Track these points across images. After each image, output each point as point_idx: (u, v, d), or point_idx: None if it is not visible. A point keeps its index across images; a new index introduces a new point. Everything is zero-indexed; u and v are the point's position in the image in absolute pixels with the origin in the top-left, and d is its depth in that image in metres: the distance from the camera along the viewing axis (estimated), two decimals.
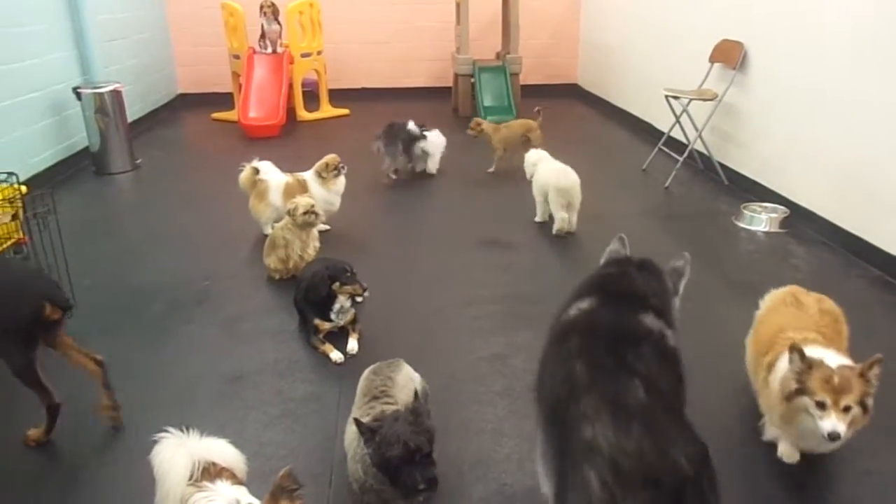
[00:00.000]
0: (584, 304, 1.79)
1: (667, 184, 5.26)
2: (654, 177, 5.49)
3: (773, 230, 4.37)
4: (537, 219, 4.56)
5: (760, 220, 4.42)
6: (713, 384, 2.82)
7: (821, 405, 2.03)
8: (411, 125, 5.49)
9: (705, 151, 5.44)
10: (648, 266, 1.96)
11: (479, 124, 5.62)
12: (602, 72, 8.16)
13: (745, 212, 4.50)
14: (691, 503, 1.34)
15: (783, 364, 2.19)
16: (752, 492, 2.23)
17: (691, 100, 5.27)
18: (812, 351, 2.13)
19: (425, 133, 5.52)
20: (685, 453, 1.38)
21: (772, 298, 2.69)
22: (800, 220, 4.38)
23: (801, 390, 2.07)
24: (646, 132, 6.64)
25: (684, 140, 5.54)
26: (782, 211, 4.45)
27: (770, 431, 2.40)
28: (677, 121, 5.49)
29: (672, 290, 1.92)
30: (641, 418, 1.41)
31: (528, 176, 4.59)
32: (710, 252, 4.10)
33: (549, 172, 4.41)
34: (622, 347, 1.56)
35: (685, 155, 5.35)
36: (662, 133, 5.77)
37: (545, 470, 1.67)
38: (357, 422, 1.88)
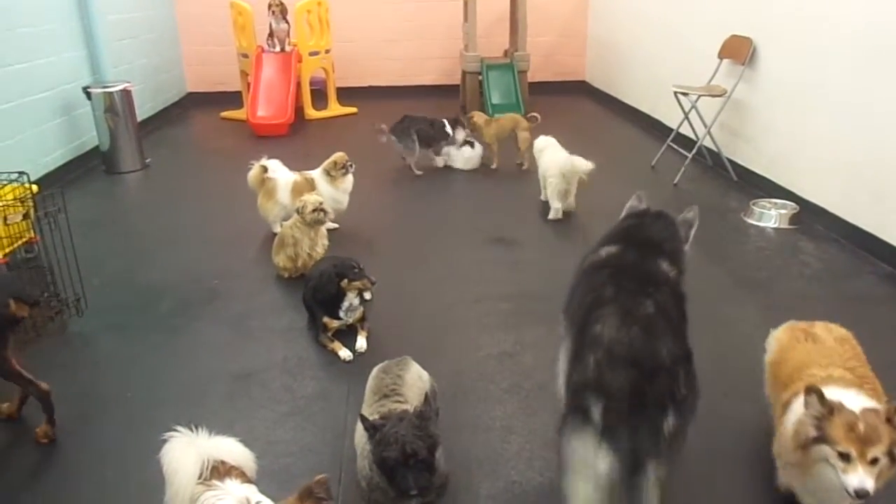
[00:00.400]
0: (612, 249, 2.08)
1: (676, 180, 5.23)
2: (663, 173, 5.47)
3: (782, 226, 4.34)
4: (543, 198, 4.79)
5: (770, 216, 4.39)
6: (721, 380, 2.80)
7: (844, 457, 1.74)
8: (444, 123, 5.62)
9: (714, 148, 5.41)
10: (663, 217, 2.24)
11: (471, 117, 5.63)
12: (610, 69, 8.12)
13: (755, 208, 4.47)
14: (662, 386, 1.68)
15: (799, 405, 1.90)
16: (762, 483, 2.22)
17: (700, 96, 5.24)
18: (832, 392, 1.84)
19: (459, 138, 5.61)
20: (668, 350, 1.73)
21: (780, 338, 2.35)
22: (810, 216, 4.35)
23: (821, 438, 1.78)
24: (655, 129, 6.61)
25: (693, 136, 5.51)
26: (792, 207, 4.42)
27: (783, 476, 2.08)
28: (686, 117, 5.46)
29: (683, 237, 2.19)
30: (642, 324, 1.76)
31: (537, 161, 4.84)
32: (719, 249, 4.08)
33: (555, 160, 4.58)
34: (644, 281, 1.91)
35: (694, 151, 5.32)
36: (671, 129, 5.75)
37: (562, 367, 1.97)
38: (362, 417, 1.89)
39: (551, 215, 4.56)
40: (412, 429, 1.82)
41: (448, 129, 5.62)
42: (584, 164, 4.47)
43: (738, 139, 5.26)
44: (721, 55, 5.30)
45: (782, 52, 4.71)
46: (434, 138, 5.63)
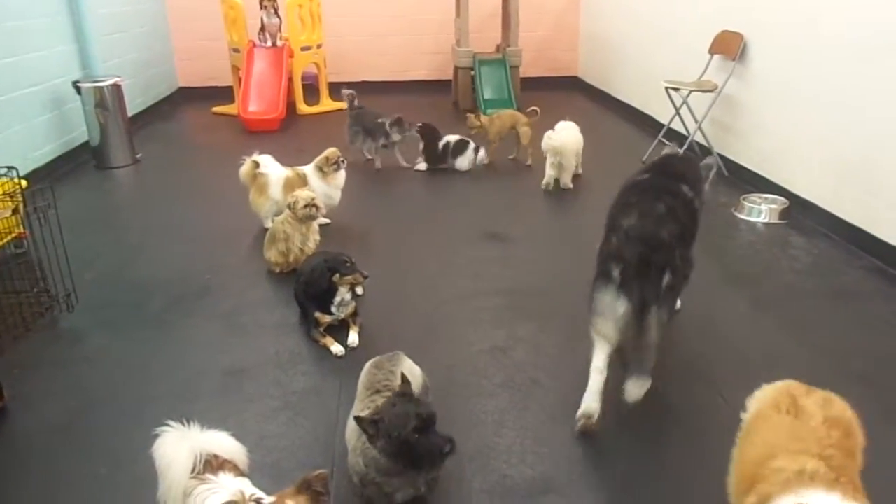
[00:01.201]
0: (645, 176, 2.80)
1: None
2: None
3: (772, 221, 4.37)
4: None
5: (760, 211, 4.42)
6: (709, 373, 2.83)
7: None
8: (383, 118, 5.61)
9: (705, 143, 5.44)
10: (688, 157, 3.08)
11: (478, 118, 5.62)
12: (602, 64, 8.14)
13: (745, 203, 4.50)
14: (661, 257, 2.40)
15: None
16: None
17: (691, 91, 5.27)
18: (806, 498, 1.48)
19: (395, 138, 5.60)
20: (669, 234, 2.45)
21: (763, 399, 1.95)
22: (800, 211, 4.38)
23: None
24: (646, 124, 6.63)
25: (684, 132, 5.54)
26: (782, 202, 4.45)
27: None
28: (677, 112, 5.48)
29: (704, 176, 2.91)
30: (653, 218, 2.49)
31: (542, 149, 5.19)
32: (709, 243, 4.10)
33: (552, 134, 5.09)
34: (662, 193, 2.59)
35: (685, 146, 5.34)
36: (663, 125, 5.77)
37: (597, 261, 2.59)
38: (358, 419, 1.88)
39: (563, 184, 5.11)
40: (410, 401, 1.85)
41: (387, 127, 5.56)
42: (567, 139, 5.04)
43: (729, 134, 5.29)
44: (712, 51, 5.32)
45: (773, 48, 4.73)
46: (374, 133, 5.62)
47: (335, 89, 7.89)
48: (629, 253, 2.41)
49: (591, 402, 2.47)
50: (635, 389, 2.38)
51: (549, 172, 5.05)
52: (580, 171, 5.34)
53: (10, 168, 3.27)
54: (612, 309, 2.41)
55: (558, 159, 4.97)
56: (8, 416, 2.61)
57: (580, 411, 2.47)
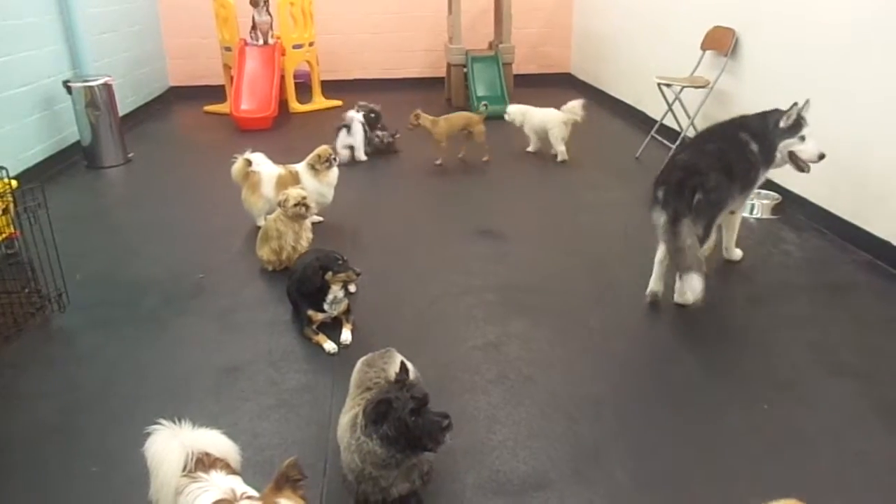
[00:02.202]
0: (717, 124, 3.52)
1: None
2: (648, 165, 5.49)
3: (764, 216, 4.38)
4: (531, 149, 5.96)
5: (752, 206, 4.43)
6: (704, 372, 2.83)
7: None
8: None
9: None
10: (764, 113, 3.46)
11: (416, 117, 5.62)
12: (595, 61, 8.14)
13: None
14: (695, 181, 3.08)
15: None
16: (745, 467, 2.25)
17: (683, 87, 5.28)
18: None
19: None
20: (706, 166, 3.14)
21: None
22: (792, 206, 4.40)
23: None
24: (639, 120, 6.64)
25: (677, 128, 5.55)
26: (774, 197, 4.46)
27: None
28: (670, 108, 5.49)
29: (775, 129, 3.39)
30: (699, 153, 3.25)
31: (517, 124, 5.86)
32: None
33: (550, 113, 5.73)
34: (720, 137, 3.36)
35: (678, 142, 5.35)
36: (655, 121, 5.78)
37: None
38: (377, 403, 1.85)
39: (560, 157, 5.65)
40: (402, 386, 1.87)
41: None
42: (579, 107, 5.58)
43: None
44: (704, 46, 5.33)
45: (765, 43, 4.74)
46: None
47: (328, 87, 7.89)
48: (671, 178, 3.15)
49: (654, 283, 3.35)
50: (692, 283, 3.02)
51: (562, 148, 5.66)
52: (560, 149, 5.69)
53: None
54: (658, 219, 3.18)
55: (567, 131, 5.63)
56: (0, 415, 2.60)
57: (648, 291, 3.35)
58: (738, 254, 3.79)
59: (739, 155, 3.27)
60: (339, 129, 5.77)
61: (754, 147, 3.33)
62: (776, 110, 3.40)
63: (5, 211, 3.49)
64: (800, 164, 3.43)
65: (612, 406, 2.60)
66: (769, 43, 4.68)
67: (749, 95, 4.93)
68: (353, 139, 5.75)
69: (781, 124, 3.34)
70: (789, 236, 4.13)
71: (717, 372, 2.82)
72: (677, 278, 3.20)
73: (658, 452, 2.36)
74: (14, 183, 3.42)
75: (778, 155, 3.38)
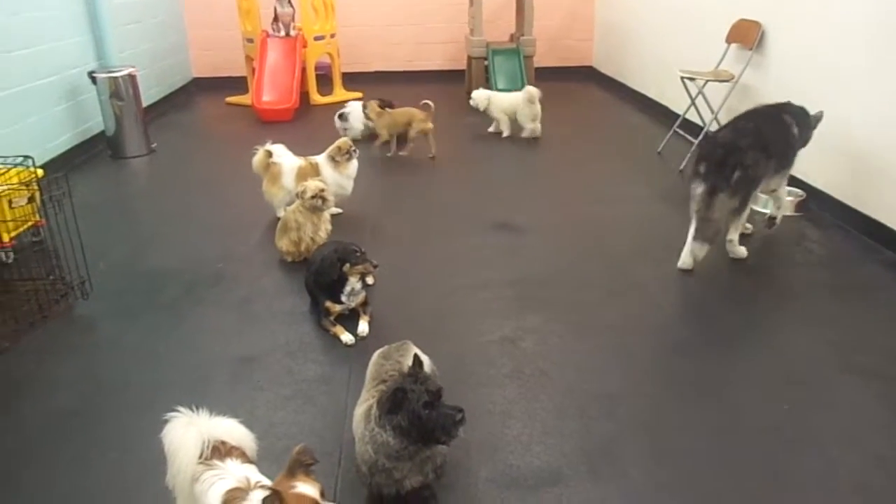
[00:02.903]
0: (761, 107, 3.74)
1: (682, 167, 5.21)
2: (670, 160, 5.44)
3: (788, 213, 4.31)
4: (492, 129, 6.32)
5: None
6: (729, 371, 2.81)
7: None
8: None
9: None
10: (802, 107, 3.75)
11: (365, 107, 5.75)
12: (617, 54, 8.06)
13: (760, 195, 4.44)
14: (734, 158, 3.34)
15: None
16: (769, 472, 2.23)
17: (707, 81, 5.21)
18: None
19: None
20: (746, 145, 3.38)
21: None
22: (816, 203, 4.33)
23: None
24: (661, 114, 6.57)
25: (700, 122, 5.48)
26: (798, 194, 4.39)
27: None
28: (693, 103, 5.42)
29: (812, 119, 3.75)
30: (739, 132, 3.47)
31: (481, 109, 6.19)
32: (724, 236, 4.07)
33: (512, 95, 6.21)
34: (760, 117, 3.59)
35: (700, 137, 5.28)
36: (678, 115, 5.71)
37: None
38: (393, 392, 1.86)
39: (528, 133, 6.11)
40: (417, 380, 1.87)
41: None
42: (535, 92, 6.04)
43: None
44: (729, 40, 5.26)
45: (791, 37, 4.66)
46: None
47: (349, 79, 7.91)
48: (713, 155, 3.41)
49: (685, 256, 3.56)
50: (695, 250, 3.48)
51: (531, 125, 6.11)
52: (530, 127, 6.13)
53: (25, 157, 3.31)
54: (695, 190, 3.45)
55: (534, 109, 6.06)
56: (22, 400, 2.65)
57: (679, 263, 3.57)
58: (779, 215, 4.05)
59: (779, 135, 3.54)
60: (336, 116, 5.98)
61: (795, 130, 3.61)
62: (815, 115, 3.78)
63: (31, 200, 3.56)
64: None
65: (627, 403, 2.59)
66: (796, 36, 4.60)
67: (774, 90, 4.84)
68: (348, 126, 5.95)
69: (814, 128, 3.74)
70: (813, 234, 4.07)
71: (736, 370, 2.79)
72: (695, 240, 3.50)
73: (674, 450, 2.34)
74: (40, 172, 3.48)
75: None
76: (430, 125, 5.60)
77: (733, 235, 3.64)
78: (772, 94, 4.86)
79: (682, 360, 2.87)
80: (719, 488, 2.18)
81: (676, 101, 6.03)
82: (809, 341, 2.98)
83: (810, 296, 3.39)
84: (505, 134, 6.20)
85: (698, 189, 3.43)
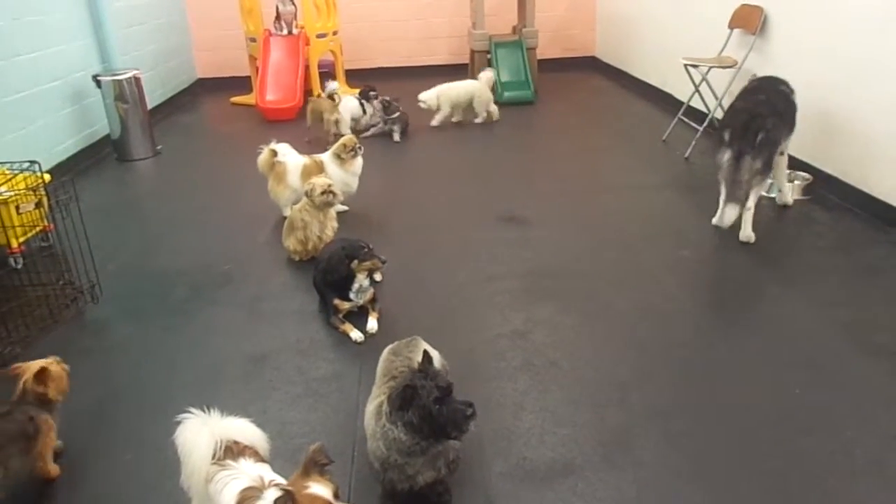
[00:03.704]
0: (755, 82, 4.06)
1: (687, 154, 5.18)
2: (675, 147, 5.42)
3: (795, 197, 4.28)
4: (436, 121, 6.36)
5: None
6: (734, 362, 2.80)
7: None
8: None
9: None
10: (782, 79, 4.04)
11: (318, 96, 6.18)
12: (620, 43, 8.02)
13: (767, 179, 4.41)
14: (757, 123, 3.61)
15: None
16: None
17: (711, 68, 5.17)
18: None
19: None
20: (765, 111, 3.66)
21: None
22: (824, 186, 4.30)
23: None
24: (665, 102, 6.53)
25: (704, 109, 5.45)
26: (805, 178, 4.36)
27: None
28: (697, 90, 5.39)
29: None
30: (755, 100, 3.79)
31: (434, 108, 6.25)
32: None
33: (454, 88, 6.33)
34: (765, 89, 3.92)
35: (705, 124, 5.25)
36: (682, 103, 5.67)
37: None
38: (403, 389, 1.86)
39: (482, 119, 6.40)
40: (426, 375, 1.88)
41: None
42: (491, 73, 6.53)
43: None
44: (731, 25, 5.22)
45: (794, 20, 4.62)
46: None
47: (352, 76, 7.89)
48: (735, 121, 3.69)
49: (719, 216, 3.84)
50: (729, 212, 3.70)
51: (448, 112, 6.36)
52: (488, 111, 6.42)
53: (32, 162, 3.32)
54: (722, 158, 3.69)
55: (460, 107, 6.37)
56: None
57: (714, 220, 3.90)
58: (790, 198, 4.22)
59: (785, 102, 3.86)
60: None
61: (794, 98, 3.92)
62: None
63: (39, 205, 3.57)
64: None
65: (639, 391, 2.58)
66: (799, 20, 4.55)
67: (778, 74, 4.79)
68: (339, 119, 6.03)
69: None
70: (821, 216, 4.04)
71: (748, 356, 2.78)
72: (726, 204, 3.74)
73: (687, 438, 2.34)
74: (47, 177, 3.49)
75: None
76: (336, 116, 5.83)
77: (752, 203, 3.75)
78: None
79: (693, 347, 2.86)
80: (735, 473, 2.18)
81: (680, 89, 5.99)
82: (820, 324, 2.96)
83: (820, 278, 3.37)
84: (455, 119, 6.43)
85: (725, 156, 3.67)
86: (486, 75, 6.46)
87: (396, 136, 5.98)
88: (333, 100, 4.63)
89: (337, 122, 5.83)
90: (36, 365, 2.23)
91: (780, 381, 2.60)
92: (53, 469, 2.24)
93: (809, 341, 2.85)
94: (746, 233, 3.74)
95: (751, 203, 3.74)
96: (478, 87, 6.35)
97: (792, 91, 3.95)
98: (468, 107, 6.37)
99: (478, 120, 6.38)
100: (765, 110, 3.68)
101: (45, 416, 2.20)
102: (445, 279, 3.51)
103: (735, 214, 3.72)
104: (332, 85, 5.88)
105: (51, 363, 2.27)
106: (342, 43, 7.74)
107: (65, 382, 2.31)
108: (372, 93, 6.14)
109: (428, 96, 6.23)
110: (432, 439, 1.87)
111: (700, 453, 2.27)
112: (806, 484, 2.12)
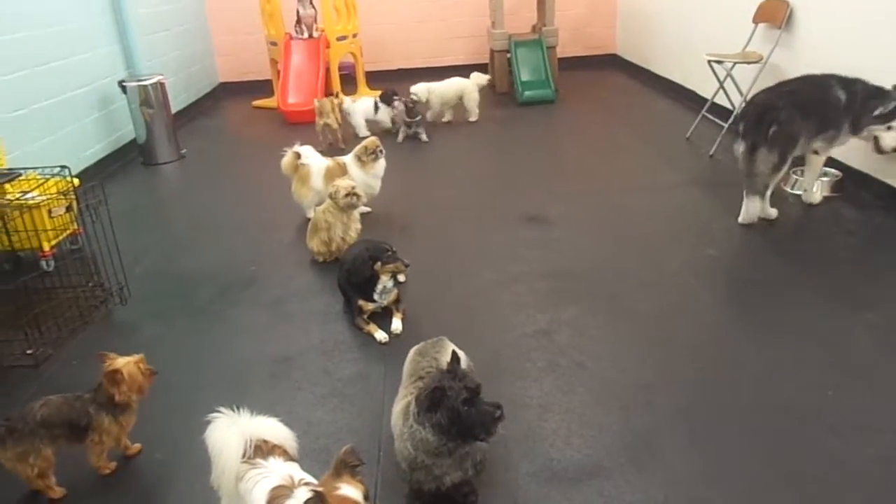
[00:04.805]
0: (809, 75, 3.90)
1: (711, 151, 5.12)
2: (699, 145, 5.36)
3: (825, 195, 4.22)
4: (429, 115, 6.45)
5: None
6: (759, 358, 2.76)
7: None
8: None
9: None
10: (856, 79, 3.76)
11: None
12: (641, 40, 7.95)
13: (794, 177, 4.35)
14: (770, 116, 3.62)
15: None
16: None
17: (735, 63, 5.12)
18: None
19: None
20: (782, 104, 3.68)
21: None
22: (853, 183, 4.22)
23: None
24: (688, 99, 6.47)
25: (729, 106, 5.38)
26: (834, 175, 4.29)
27: None
28: (721, 86, 5.33)
29: (866, 106, 3.70)
30: (776, 93, 3.76)
31: (423, 100, 6.21)
32: (757, 221, 4.00)
33: (442, 86, 6.41)
34: (807, 83, 3.82)
35: (730, 121, 5.19)
36: (706, 100, 5.62)
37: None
38: (431, 391, 1.86)
39: (473, 118, 6.48)
40: (454, 376, 1.87)
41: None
42: (484, 76, 6.63)
43: None
44: (756, 19, 5.15)
45: (821, 13, 4.55)
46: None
47: (372, 78, 7.92)
48: (749, 113, 3.74)
49: (743, 213, 3.85)
50: (750, 206, 3.79)
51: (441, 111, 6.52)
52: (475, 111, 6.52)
53: (62, 167, 3.38)
54: (737, 150, 3.75)
55: (449, 105, 6.48)
56: None
57: (739, 219, 3.87)
58: (817, 197, 4.13)
59: (817, 95, 3.69)
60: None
61: (840, 94, 3.69)
62: (864, 82, 3.72)
63: (69, 208, 3.63)
64: (879, 147, 3.77)
65: (665, 393, 2.56)
66: (826, 13, 4.48)
67: (804, 70, 4.69)
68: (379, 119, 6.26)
69: (877, 112, 3.65)
70: (851, 215, 3.97)
71: (776, 356, 2.74)
72: (746, 197, 3.80)
73: (715, 439, 2.31)
74: (76, 181, 3.55)
75: (864, 132, 3.75)
76: (323, 121, 5.89)
77: (766, 194, 3.79)
78: (802, 74, 4.75)
79: (720, 348, 2.83)
80: (765, 476, 2.15)
81: (703, 85, 5.93)
82: (851, 325, 2.91)
83: (851, 278, 3.31)
84: (446, 119, 6.55)
85: (740, 148, 3.73)
86: (478, 76, 6.55)
87: (423, 136, 5.99)
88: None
89: (326, 126, 5.87)
90: (115, 363, 2.23)
91: (811, 383, 2.56)
92: (104, 466, 2.29)
93: (840, 343, 2.80)
94: (766, 210, 3.85)
95: (766, 193, 3.78)
96: (467, 86, 6.43)
97: (848, 87, 3.71)
98: (459, 105, 6.46)
99: (472, 119, 6.45)
100: (781, 103, 3.64)
101: (102, 416, 2.21)
102: (469, 279, 3.50)
103: (757, 208, 3.77)
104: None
105: (129, 363, 2.26)
106: (362, 45, 7.77)
107: (139, 384, 2.27)
108: (395, 96, 6.13)
109: (419, 89, 6.25)
110: (460, 440, 1.87)
111: (728, 456, 2.24)
112: (840, 490, 2.09)
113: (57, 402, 2.19)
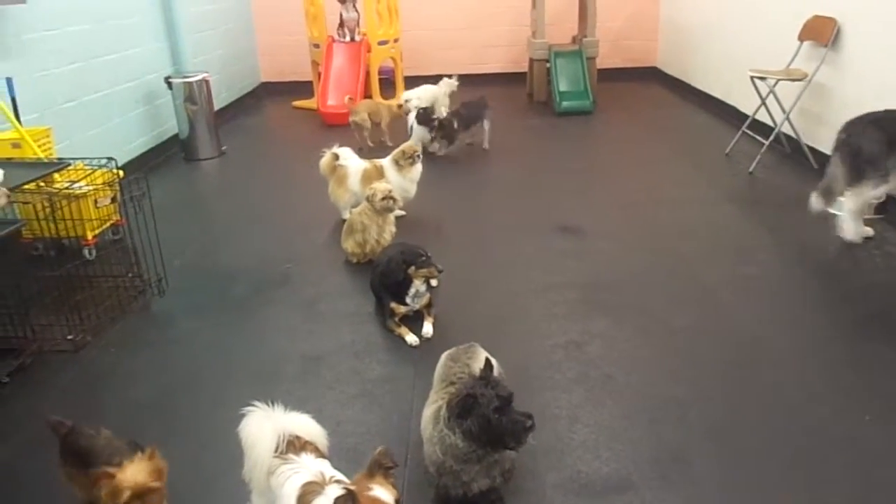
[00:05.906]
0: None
1: (751, 168, 5.05)
2: (738, 161, 5.29)
3: (866, 216, 4.12)
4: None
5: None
6: (795, 380, 2.71)
7: None
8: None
9: (793, 134, 5.19)
10: None
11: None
12: (683, 53, 7.88)
13: (840, 199, 4.26)
14: (852, 128, 3.78)
15: None
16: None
17: (778, 80, 5.04)
18: None
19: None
20: (869, 140, 3.64)
21: None
22: None
23: None
24: (729, 115, 6.39)
25: (770, 123, 5.31)
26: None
27: None
28: (763, 103, 5.25)
29: None
30: (861, 126, 3.75)
31: (412, 107, 6.01)
32: (797, 240, 3.94)
33: (420, 91, 6.27)
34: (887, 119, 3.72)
35: (771, 138, 5.12)
36: (746, 116, 5.54)
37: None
38: (464, 398, 1.86)
39: None
40: (487, 383, 1.87)
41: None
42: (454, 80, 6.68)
43: (820, 125, 5.02)
44: (801, 37, 5.07)
45: (869, 33, 4.46)
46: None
47: (411, 83, 7.97)
48: (845, 131, 3.81)
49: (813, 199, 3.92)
50: (814, 199, 3.88)
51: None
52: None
53: (109, 159, 3.47)
54: (832, 168, 3.85)
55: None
56: (103, 392, 2.78)
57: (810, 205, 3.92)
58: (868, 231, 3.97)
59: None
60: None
61: None
62: None
63: (114, 199, 3.73)
64: None
65: (696, 409, 2.53)
66: (875, 32, 4.40)
67: (852, 89, 4.65)
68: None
69: None
70: (893, 237, 3.88)
71: (811, 378, 2.69)
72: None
73: (746, 458, 2.28)
74: (121, 173, 3.64)
75: None
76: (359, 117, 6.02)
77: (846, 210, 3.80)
78: (848, 94, 4.68)
79: (753, 366, 2.79)
80: (797, 498, 2.11)
81: (744, 102, 5.85)
82: (891, 349, 2.84)
83: (892, 301, 3.24)
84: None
85: (836, 171, 3.83)
86: (447, 83, 6.66)
87: (485, 144, 5.96)
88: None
89: (357, 123, 5.99)
90: (130, 482, 1.70)
91: (847, 408, 2.51)
92: None
93: (879, 368, 2.74)
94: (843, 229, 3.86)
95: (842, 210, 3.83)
96: (440, 92, 6.57)
97: None
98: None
99: None
100: (866, 123, 3.69)
101: None
102: (501, 287, 3.51)
103: (819, 204, 3.87)
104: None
105: (144, 472, 1.73)
106: (402, 50, 7.83)
107: (161, 491, 1.78)
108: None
109: (410, 95, 6.27)
110: (489, 448, 1.88)
111: (760, 476, 2.21)
112: None
113: None
